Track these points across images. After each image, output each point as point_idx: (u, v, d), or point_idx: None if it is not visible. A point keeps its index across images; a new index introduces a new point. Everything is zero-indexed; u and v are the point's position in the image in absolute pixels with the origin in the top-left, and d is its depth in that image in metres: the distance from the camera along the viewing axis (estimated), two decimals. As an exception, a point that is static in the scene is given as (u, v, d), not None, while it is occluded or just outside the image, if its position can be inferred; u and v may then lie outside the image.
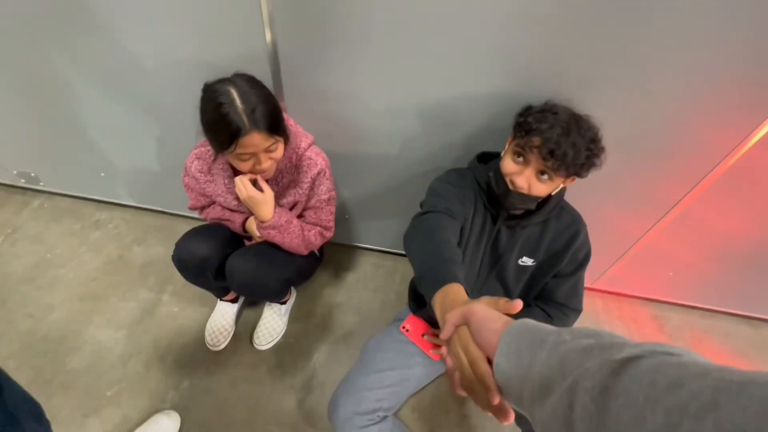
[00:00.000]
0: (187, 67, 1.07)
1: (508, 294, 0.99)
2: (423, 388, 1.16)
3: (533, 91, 0.87)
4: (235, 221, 1.12)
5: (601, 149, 0.78)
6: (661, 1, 0.73)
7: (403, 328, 1.09)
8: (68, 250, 1.54)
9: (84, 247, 1.55)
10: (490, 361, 0.42)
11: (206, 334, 1.31)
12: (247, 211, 1.10)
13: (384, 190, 1.31)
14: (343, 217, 1.45)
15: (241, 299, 1.38)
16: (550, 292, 0.95)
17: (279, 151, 0.90)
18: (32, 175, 1.63)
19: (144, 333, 1.32)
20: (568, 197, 0.93)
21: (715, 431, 0.22)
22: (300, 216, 1.12)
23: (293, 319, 1.39)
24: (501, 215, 0.90)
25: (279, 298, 1.26)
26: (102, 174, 1.53)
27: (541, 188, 0.80)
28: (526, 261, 0.94)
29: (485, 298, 0.50)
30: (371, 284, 1.51)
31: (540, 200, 0.85)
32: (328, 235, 1.15)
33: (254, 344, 1.30)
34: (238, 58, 0.99)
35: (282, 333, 1.33)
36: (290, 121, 1.03)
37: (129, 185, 1.59)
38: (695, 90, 0.84)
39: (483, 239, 0.93)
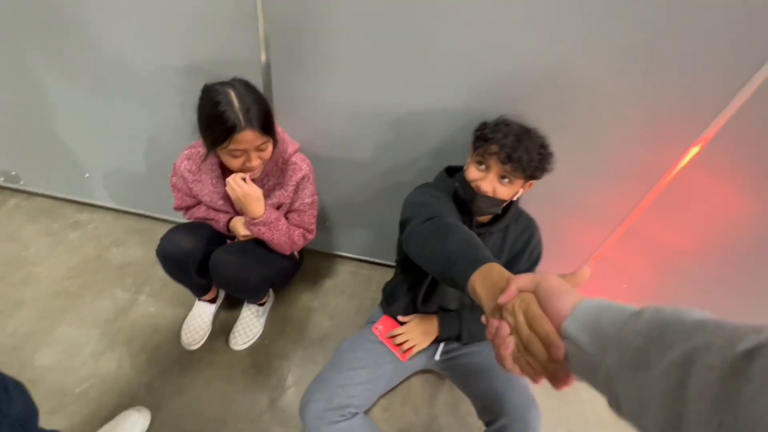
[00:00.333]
0: (184, 73, 1.15)
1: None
2: (394, 387, 1.20)
3: (490, 108, 0.99)
4: (219, 220, 1.17)
5: (551, 154, 0.89)
6: (604, 35, 0.88)
7: (376, 328, 1.14)
8: (44, 249, 1.54)
9: (61, 246, 1.55)
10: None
11: (182, 333, 1.32)
12: (231, 211, 1.16)
13: (363, 199, 1.40)
14: (323, 224, 1.52)
15: (219, 299, 1.41)
16: None
17: (268, 150, 0.98)
18: (13, 173, 1.64)
19: (118, 331, 1.32)
20: (531, 211, 1.04)
21: None
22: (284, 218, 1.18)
23: (270, 321, 1.42)
24: (473, 222, 0.98)
25: (258, 296, 1.29)
26: (86, 175, 1.56)
27: (504, 191, 0.89)
28: None
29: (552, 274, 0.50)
30: (348, 290, 1.56)
31: (504, 204, 0.95)
32: (310, 237, 1.22)
33: (230, 344, 1.32)
34: (234, 71, 1.08)
35: (258, 334, 1.36)
36: (278, 128, 1.11)
37: (111, 187, 1.61)
38: (632, 115, 0.98)
39: None
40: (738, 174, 1.05)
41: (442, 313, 1.11)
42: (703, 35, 0.84)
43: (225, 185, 1.06)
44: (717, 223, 1.18)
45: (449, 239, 0.67)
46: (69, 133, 1.44)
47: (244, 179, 1.02)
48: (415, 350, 1.08)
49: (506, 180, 0.88)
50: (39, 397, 1.14)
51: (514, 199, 0.95)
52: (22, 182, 1.66)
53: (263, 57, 1.09)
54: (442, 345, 1.13)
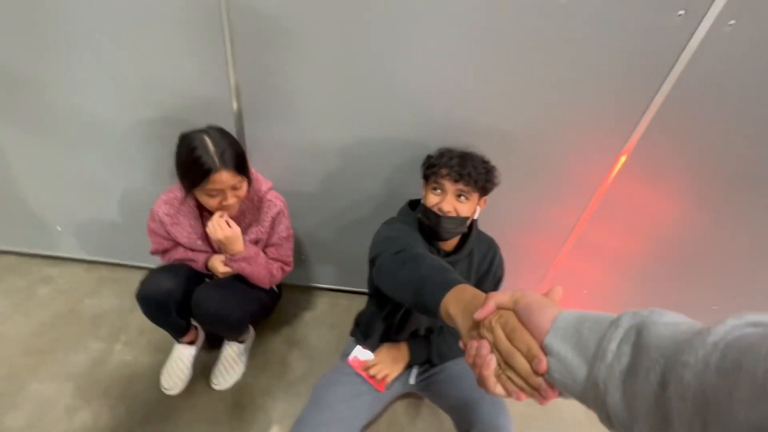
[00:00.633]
0: (158, 124, 1.23)
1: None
2: (378, 416, 1.22)
3: (433, 141, 1.11)
4: (198, 260, 1.21)
5: (494, 167, 1.01)
6: (538, 69, 1.03)
7: (352, 360, 1.14)
8: (10, 307, 1.50)
9: (30, 302, 1.52)
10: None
11: (162, 378, 1.30)
12: (209, 249, 1.21)
13: (332, 232, 1.49)
14: (299, 258, 1.57)
15: (199, 341, 1.41)
16: None
17: (243, 189, 1.05)
18: (-24, 232, 1.61)
19: (94, 384, 1.29)
20: (489, 233, 1.14)
21: None
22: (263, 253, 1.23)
23: (251, 357, 1.42)
24: (440, 252, 1.05)
25: (239, 331, 1.31)
26: (58, 228, 1.56)
27: (464, 208, 0.99)
28: None
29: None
30: (328, 321, 1.60)
31: (468, 222, 1.03)
32: (288, 269, 1.27)
33: (212, 385, 1.31)
34: (208, 119, 1.15)
35: (241, 372, 1.36)
36: (252, 168, 1.19)
37: (84, 239, 1.61)
38: (564, 131, 1.14)
39: None
40: (663, 178, 1.21)
41: (410, 339, 1.14)
42: (607, 65, 1.02)
43: (203, 226, 1.11)
44: (653, 225, 1.33)
45: (419, 266, 0.69)
46: (38, 189, 1.46)
47: (227, 222, 1.07)
48: (389, 379, 1.10)
49: (463, 198, 0.98)
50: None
51: (474, 217, 1.05)
52: (-14, 241, 1.63)
53: (235, 105, 1.18)
54: (415, 368, 1.16)
